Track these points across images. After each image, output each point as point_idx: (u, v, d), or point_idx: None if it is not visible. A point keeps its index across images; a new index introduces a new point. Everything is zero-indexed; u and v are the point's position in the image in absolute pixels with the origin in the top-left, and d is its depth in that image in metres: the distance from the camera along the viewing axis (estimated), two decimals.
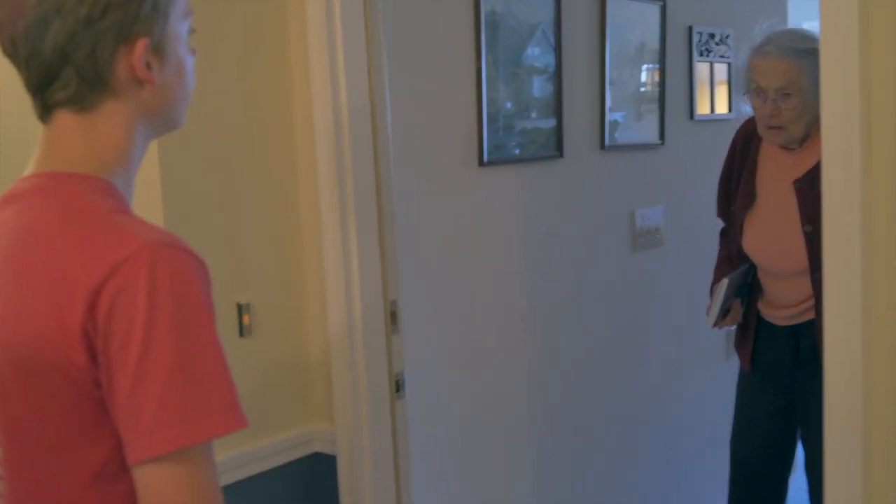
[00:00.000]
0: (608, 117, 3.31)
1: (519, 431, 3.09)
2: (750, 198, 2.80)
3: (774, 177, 2.76)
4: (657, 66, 3.55)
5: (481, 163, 2.85)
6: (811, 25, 8.51)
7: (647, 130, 3.53)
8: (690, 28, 3.68)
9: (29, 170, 1.29)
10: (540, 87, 3.05)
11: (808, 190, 2.60)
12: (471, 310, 2.89)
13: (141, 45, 1.23)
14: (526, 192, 3.05)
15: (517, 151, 2.99)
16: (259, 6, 2.26)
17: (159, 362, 1.11)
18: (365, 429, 2.34)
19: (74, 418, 1.17)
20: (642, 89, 3.53)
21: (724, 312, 2.83)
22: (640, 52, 3.48)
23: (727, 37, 3.89)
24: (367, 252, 2.32)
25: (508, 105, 2.95)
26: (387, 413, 2.39)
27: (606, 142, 3.30)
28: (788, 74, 2.57)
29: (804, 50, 2.57)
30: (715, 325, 2.85)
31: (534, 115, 3.04)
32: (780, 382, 2.86)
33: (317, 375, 2.40)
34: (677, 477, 3.73)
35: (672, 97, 3.62)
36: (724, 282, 2.74)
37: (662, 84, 3.57)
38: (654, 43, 3.52)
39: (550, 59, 3.07)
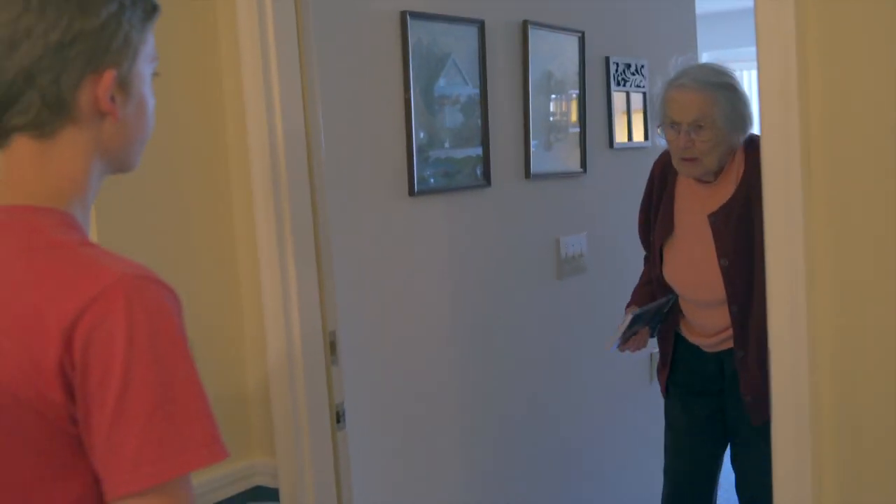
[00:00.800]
0: (532, 146, 3.36)
1: (454, 455, 3.10)
2: (668, 229, 2.83)
3: (691, 209, 2.79)
4: (577, 94, 3.62)
5: (412, 192, 2.86)
6: (719, 54, 8.77)
7: (568, 159, 3.59)
8: (607, 59, 3.77)
9: None
10: (466, 117, 3.08)
11: (723, 224, 2.66)
12: (403, 337, 2.89)
13: (108, 77, 1.22)
14: (455, 220, 3.07)
15: (445, 181, 3.01)
16: (190, 33, 2.24)
17: (139, 399, 1.09)
18: (307, 461, 2.32)
19: (48, 456, 1.15)
20: (563, 118, 3.59)
21: (627, 338, 2.86)
22: (561, 81, 3.54)
23: (642, 67, 3.99)
24: (305, 283, 2.30)
25: (436, 135, 2.96)
26: (328, 444, 2.37)
27: (531, 170, 3.34)
28: (703, 107, 2.61)
29: (718, 84, 2.63)
30: (614, 349, 2.89)
31: (461, 144, 3.06)
32: (706, 402, 2.89)
33: (256, 409, 2.37)
34: (603, 496, 3.77)
35: (592, 126, 3.69)
36: (629, 317, 2.78)
37: (583, 113, 3.63)
38: (573, 73, 3.59)
39: (475, 89, 3.10)
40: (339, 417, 2.40)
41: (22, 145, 1.23)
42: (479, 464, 3.20)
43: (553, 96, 3.53)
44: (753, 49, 1.73)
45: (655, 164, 2.95)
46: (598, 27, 3.69)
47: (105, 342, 1.09)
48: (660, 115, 2.75)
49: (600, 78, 3.76)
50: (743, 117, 2.66)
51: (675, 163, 2.72)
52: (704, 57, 9.83)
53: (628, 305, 2.98)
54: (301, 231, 2.30)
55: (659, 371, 3.00)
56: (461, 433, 3.13)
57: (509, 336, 3.31)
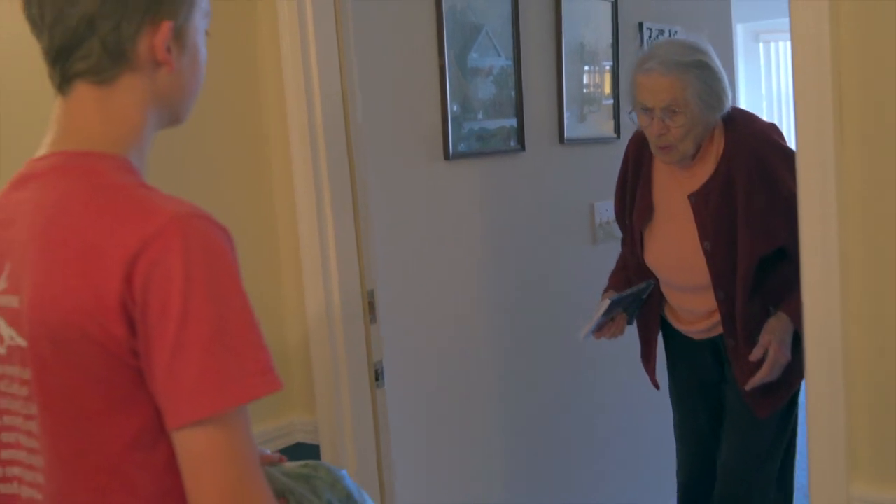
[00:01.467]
0: (565, 118, 3.37)
1: (489, 412, 3.15)
2: (648, 211, 2.68)
3: (670, 190, 2.65)
4: (610, 66, 3.63)
5: (447, 156, 2.89)
6: (754, 25, 8.57)
7: (602, 125, 3.60)
8: (641, 24, 3.77)
9: (44, 149, 1.30)
10: (501, 82, 3.10)
11: (703, 205, 2.52)
12: (438, 299, 2.94)
13: (166, 27, 1.26)
14: (490, 184, 3.10)
15: (480, 145, 3.03)
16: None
17: (197, 331, 1.13)
18: (347, 418, 2.36)
19: (111, 388, 1.19)
20: (596, 90, 3.60)
21: (602, 325, 2.69)
22: (593, 52, 3.55)
23: (675, 32, 3.98)
24: (344, 242, 2.34)
25: (471, 100, 2.99)
26: (368, 402, 2.42)
27: (565, 135, 3.36)
28: (673, 91, 2.44)
29: (689, 63, 2.46)
30: (588, 337, 2.70)
31: (495, 109, 3.08)
32: (708, 394, 2.78)
33: (296, 367, 2.41)
34: (636, 466, 3.79)
35: (625, 92, 3.68)
36: (605, 303, 2.62)
37: (616, 84, 3.64)
38: (606, 42, 3.59)
39: (509, 55, 3.12)
40: (377, 375, 2.45)
41: (83, 91, 1.27)
42: (514, 419, 3.24)
43: (586, 68, 3.54)
44: (787, 20, 1.71)
45: (630, 143, 2.80)
46: None
47: (164, 278, 1.13)
48: (631, 99, 2.60)
49: (633, 44, 3.76)
50: (718, 95, 2.49)
51: (653, 149, 2.58)
52: (739, 29, 9.78)
53: (605, 291, 2.83)
54: (339, 192, 2.34)
55: (644, 362, 2.84)
56: (496, 392, 3.17)
57: (543, 299, 3.34)
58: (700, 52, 2.49)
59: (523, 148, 3.18)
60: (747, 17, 9.43)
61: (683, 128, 2.46)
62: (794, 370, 2.44)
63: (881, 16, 1.62)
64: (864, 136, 1.65)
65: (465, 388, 3.04)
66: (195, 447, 1.15)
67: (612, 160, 3.59)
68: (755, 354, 2.44)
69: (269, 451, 1.62)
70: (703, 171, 2.55)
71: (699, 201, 2.52)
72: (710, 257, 2.52)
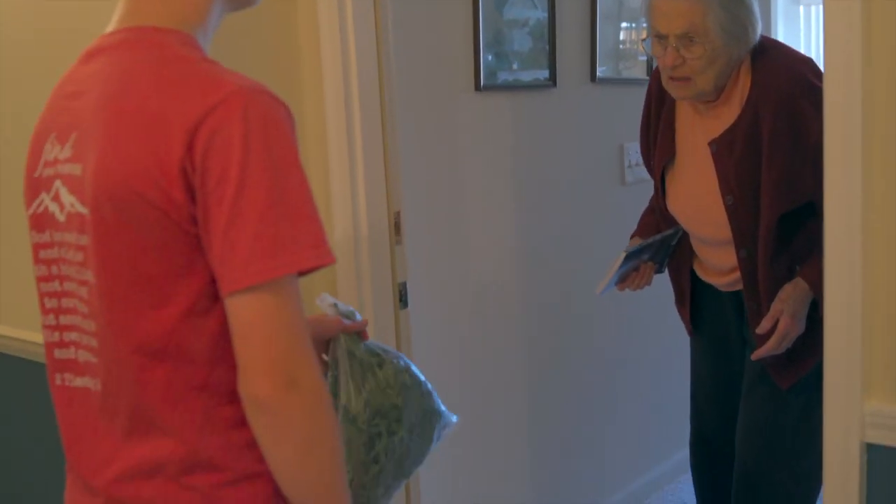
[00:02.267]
0: (600, 57, 3.37)
1: (512, 337, 3.17)
2: (668, 154, 2.46)
3: (692, 133, 2.41)
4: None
5: (478, 87, 2.90)
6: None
7: (636, 73, 3.60)
8: None
9: (112, 26, 1.34)
10: (536, 24, 3.10)
11: (727, 154, 2.29)
12: (466, 225, 2.97)
13: None
14: (520, 118, 3.12)
15: (512, 78, 3.04)
16: None
17: (254, 198, 1.17)
18: (371, 338, 2.39)
19: (169, 253, 1.23)
20: (633, 47, 3.60)
21: (626, 275, 2.53)
22: (633, 9, 3.54)
23: None
24: (371, 163, 2.37)
25: (504, 32, 2.99)
26: (392, 322, 2.45)
27: (598, 74, 3.36)
28: (691, 17, 2.18)
29: None
30: (607, 291, 2.53)
31: (526, 46, 3.08)
32: (729, 344, 2.57)
33: (320, 287, 2.44)
34: (662, 415, 3.81)
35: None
36: (621, 257, 2.45)
37: None
38: None
39: (544, 13, 3.12)
40: (402, 296, 2.48)
41: None
42: (537, 350, 3.27)
43: (623, 24, 3.53)
44: None
45: (652, 77, 2.55)
46: None
47: (224, 146, 1.17)
48: (646, 27, 2.35)
49: None
50: (744, 26, 2.22)
51: (665, 82, 2.32)
52: None
53: (633, 235, 2.67)
54: (369, 113, 2.36)
55: (679, 308, 2.66)
56: (519, 323, 3.20)
57: (570, 237, 3.36)
58: None
59: (555, 84, 3.18)
60: None
61: (701, 59, 2.20)
62: (819, 337, 2.23)
63: None
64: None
65: (488, 317, 3.07)
66: (246, 313, 1.18)
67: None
68: (763, 327, 2.23)
69: (359, 317, 1.66)
70: (728, 115, 2.31)
71: (721, 149, 2.30)
72: (733, 213, 2.30)
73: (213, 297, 1.24)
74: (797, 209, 2.25)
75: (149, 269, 1.23)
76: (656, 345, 3.72)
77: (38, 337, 1.45)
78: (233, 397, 1.25)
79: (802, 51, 10.62)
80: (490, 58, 2.94)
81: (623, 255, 2.43)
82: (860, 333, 1.72)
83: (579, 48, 3.33)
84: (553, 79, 3.17)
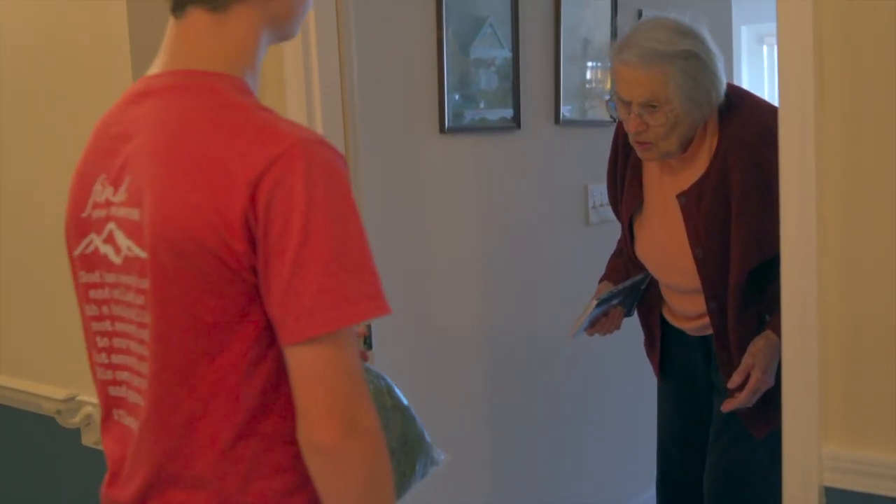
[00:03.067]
0: (562, 92, 3.40)
1: (476, 382, 3.18)
2: (636, 203, 2.44)
3: (659, 184, 2.40)
4: (608, 48, 3.65)
5: (442, 130, 2.92)
6: (755, 28, 8.37)
7: (602, 113, 3.64)
8: (640, 11, 3.80)
9: (156, 68, 1.36)
10: (499, 58, 3.13)
11: (695, 207, 2.27)
12: (429, 269, 2.97)
13: None
14: (484, 160, 3.13)
15: (478, 117, 3.07)
16: None
17: (317, 250, 1.18)
18: None
19: (227, 302, 1.24)
20: (598, 86, 3.63)
21: (595, 321, 2.50)
22: (598, 49, 3.58)
23: None
24: None
25: (470, 72, 3.02)
26: None
27: (561, 116, 3.39)
28: (652, 86, 2.15)
29: (673, 53, 2.15)
30: (578, 335, 2.49)
31: (493, 85, 3.11)
32: (697, 388, 2.55)
33: None
34: (628, 456, 3.81)
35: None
36: (593, 303, 2.41)
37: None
38: (605, 23, 3.62)
39: (507, 31, 3.15)
40: (366, 339, 2.47)
41: (196, 16, 1.33)
42: (501, 393, 3.26)
43: (589, 64, 3.57)
44: None
45: (619, 125, 2.48)
46: None
47: (286, 198, 1.18)
48: (611, 87, 2.32)
49: None
50: (707, 90, 2.18)
51: (632, 143, 2.30)
52: (742, 31, 9.80)
53: (602, 279, 2.64)
54: None
55: (648, 351, 2.63)
56: (483, 368, 3.20)
57: (534, 278, 3.37)
58: (687, 36, 2.19)
59: (518, 126, 3.21)
60: (751, 20, 9.44)
61: (664, 126, 2.19)
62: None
63: (865, 30, 1.65)
64: (847, 132, 1.69)
65: (453, 360, 3.07)
66: (309, 362, 1.20)
67: (608, 143, 3.63)
68: (734, 381, 2.20)
69: None
70: (696, 168, 2.29)
71: (689, 202, 2.28)
72: (703, 266, 2.29)
73: (267, 344, 1.26)
74: (768, 263, 2.20)
75: (205, 316, 1.25)
76: (622, 386, 3.73)
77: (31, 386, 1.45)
78: (279, 443, 1.28)
79: (766, 90, 10.72)
80: (457, 97, 2.96)
81: (594, 302, 2.40)
82: (816, 378, 1.74)
83: (544, 88, 3.35)
84: (517, 120, 3.20)
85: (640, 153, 2.31)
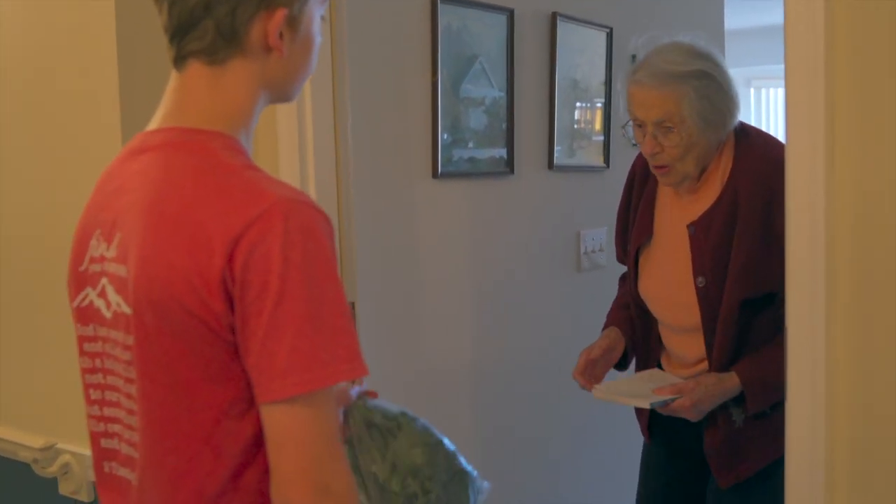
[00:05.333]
0: (556, 137, 3.38)
1: (470, 435, 3.13)
2: (646, 235, 2.39)
3: (670, 215, 2.36)
4: (601, 104, 3.65)
5: (435, 175, 2.89)
6: (747, 70, 8.46)
7: (592, 154, 3.61)
8: (634, 56, 3.78)
9: (155, 123, 1.37)
10: (492, 103, 3.10)
11: (703, 237, 2.23)
12: (421, 314, 2.93)
13: (280, 14, 1.32)
14: (478, 206, 3.09)
15: (469, 166, 3.03)
16: None
17: (292, 312, 1.19)
18: None
19: (207, 360, 1.26)
20: (587, 126, 3.62)
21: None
22: (586, 90, 3.57)
23: None
24: None
25: (460, 111, 2.99)
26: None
27: (555, 161, 3.37)
28: (666, 106, 2.15)
29: (686, 73, 2.15)
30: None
31: (482, 124, 3.08)
32: (688, 454, 2.41)
33: None
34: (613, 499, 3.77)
35: (617, 122, 3.70)
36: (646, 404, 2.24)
37: (607, 116, 3.65)
38: (600, 74, 3.61)
39: (501, 92, 3.13)
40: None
41: (196, 70, 1.34)
42: (492, 447, 3.22)
43: (578, 104, 3.55)
44: (782, 66, 1.68)
45: (637, 159, 2.47)
46: (627, 24, 3.70)
47: (263, 259, 1.19)
48: (626, 112, 2.31)
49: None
50: (721, 111, 2.18)
51: (651, 168, 2.29)
52: (735, 73, 9.87)
53: (605, 326, 2.53)
54: (325, 206, 2.31)
55: (638, 410, 2.49)
56: (473, 412, 3.16)
57: (527, 323, 3.33)
58: (702, 58, 2.19)
59: (512, 171, 3.18)
60: (739, 63, 9.49)
61: (679, 147, 2.17)
62: (761, 440, 2.22)
63: (878, 70, 1.61)
64: (855, 180, 1.65)
65: (445, 405, 3.03)
66: (281, 422, 1.21)
67: (601, 189, 3.62)
68: (660, 390, 2.20)
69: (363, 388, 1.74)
70: (708, 197, 2.26)
71: (699, 232, 2.24)
72: (703, 296, 2.23)
73: (249, 401, 1.26)
74: (758, 299, 2.19)
75: (186, 374, 1.27)
76: (612, 435, 3.69)
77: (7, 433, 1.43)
78: (260, 495, 1.28)
79: None
80: (446, 136, 2.93)
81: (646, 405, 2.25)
82: (823, 451, 1.69)
83: (536, 131, 3.33)
84: (510, 161, 3.17)
85: (659, 178, 2.29)
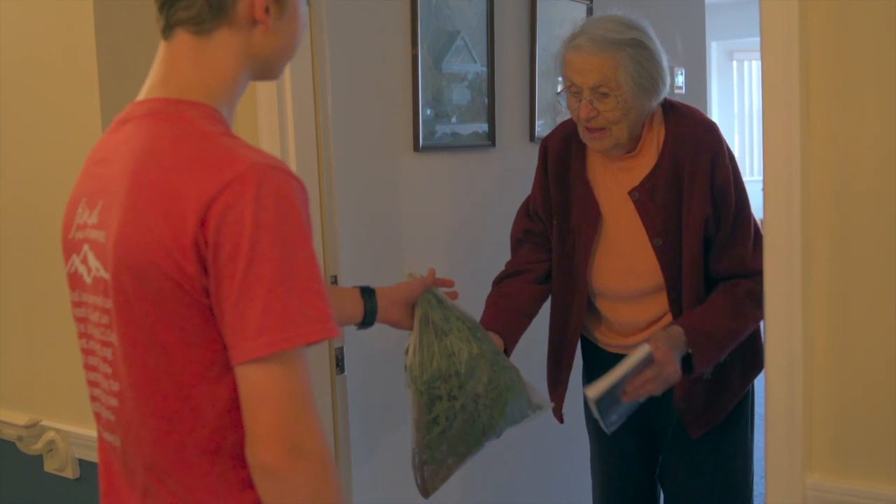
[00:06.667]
0: (538, 111, 3.38)
1: None
2: (594, 216, 2.36)
3: (606, 190, 2.37)
4: None
5: (416, 148, 2.89)
6: (728, 43, 8.57)
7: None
8: None
9: (143, 94, 1.40)
10: (474, 77, 3.10)
11: (649, 199, 2.28)
12: None
13: None
14: (459, 178, 3.10)
15: (451, 132, 3.03)
16: None
17: (263, 273, 1.21)
18: None
19: (183, 323, 1.28)
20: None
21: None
22: None
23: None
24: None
25: (443, 93, 2.99)
26: (328, 388, 2.41)
27: (537, 134, 3.37)
28: (604, 71, 2.18)
29: (623, 41, 2.19)
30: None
31: (465, 100, 3.08)
32: (641, 427, 2.46)
33: None
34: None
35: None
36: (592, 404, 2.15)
37: None
38: None
39: (483, 50, 3.12)
40: (338, 362, 2.43)
41: (182, 39, 1.37)
42: None
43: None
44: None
45: (547, 141, 2.49)
46: None
47: (235, 222, 1.22)
48: (560, 80, 2.34)
49: None
50: (654, 78, 2.23)
51: (581, 134, 2.31)
52: (713, 46, 9.87)
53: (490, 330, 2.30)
54: (307, 179, 2.33)
55: (551, 387, 2.49)
56: None
57: None
58: (636, 29, 2.24)
59: (493, 144, 3.18)
60: (721, 35, 9.54)
61: (615, 111, 2.21)
62: (728, 387, 2.32)
63: (851, 28, 1.64)
64: (831, 159, 1.67)
65: None
66: (255, 382, 1.23)
67: None
68: (632, 348, 2.16)
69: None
70: (644, 163, 2.31)
71: (643, 196, 2.28)
72: (662, 255, 2.28)
73: (226, 364, 1.28)
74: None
75: (164, 336, 1.29)
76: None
77: None
78: (244, 461, 1.30)
79: (736, 103, 10.84)
80: (429, 112, 2.93)
81: (592, 403, 2.15)
82: (801, 407, 1.72)
83: (518, 104, 3.34)
84: (492, 136, 3.17)
85: (592, 143, 2.30)
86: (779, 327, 1.73)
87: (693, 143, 2.26)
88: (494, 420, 2.00)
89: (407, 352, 2.01)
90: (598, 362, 2.45)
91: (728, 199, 2.22)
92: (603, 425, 2.22)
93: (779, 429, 1.75)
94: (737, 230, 2.24)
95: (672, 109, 2.32)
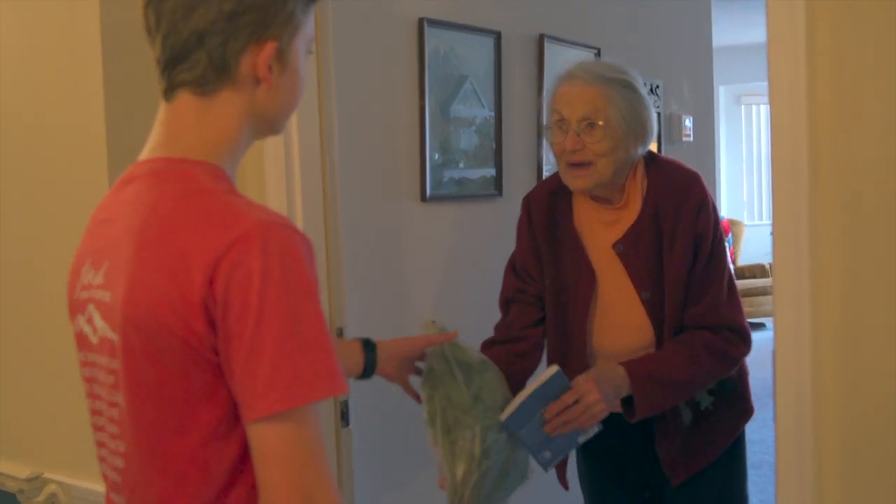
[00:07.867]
0: (545, 157, 3.38)
1: None
2: (588, 274, 2.29)
3: (596, 245, 2.31)
4: None
5: (424, 198, 2.88)
6: (735, 87, 8.62)
7: None
8: None
9: (145, 153, 1.40)
10: (483, 122, 3.11)
11: (633, 251, 2.23)
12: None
13: (270, 47, 1.35)
14: (466, 228, 3.09)
15: (458, 189, 3.03)
16: None
17: (271, 331, 1.21)
18: None
19: (191, 381, 1.28)
20: None
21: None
22: None
23: (657, 87, 4.01)
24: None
25: (451, 139, 2.99)
26: (332, 442, 2.39)
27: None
28: (595, 102, 2.17)
29: (615, 79, 2.20)
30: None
31: (473, 144, 3.09)
32: (636, 479, 2.44)
33: None
34: None
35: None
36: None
37: None
38: None
39: (491, 112, 3.13)
40: (343, 415, 2.41)
41: (185, 100, 1.37)
42: None
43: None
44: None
45: (530, 200, 2.42)
46: (615, 44, 3.71)
47: (243, 280, 1.22)
48: (546, 116, 2.31)
49: None
50: (642, 121, 2.22)
51: (563, 172, 2.25)
52: (721, 91, 9.91)
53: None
54: (313, 230, 2.33)
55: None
56: None
57: None
58: (628, 74, 2.25)
59: (500, 193, 3.17)
60: (730, 80, 9.59)
61: (602, 144, 2.16)
62: (711, 434, 2.29)
63: (858, 74, 1.65)
64: (840, 201, 1.68)
65: None
66: (266, 440, 1.23)
67: None
68: (562, 401, 2.07)
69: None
70: (628, 216, 2.26)
71: (627, 248, 2.24)
72: (651, 308, 2.23)
73: (234, 421, 1.28)
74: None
75: (173, 395, 1.29)
76: None
77: None
78: None
79: (744, 146, 10.89)
80: (437, 157, 2.94)
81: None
82: (811, 459, 1.70)
83: (526, 151, 3.34)
84: (499, 183, 3.17)
85: (573, 182, 2.23)
86: (788, 378, 1.73)
87: (676, 192, 2.24)
88: (521, 470, 2.10)
89: (429, 391, 2.07)
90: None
91: (705, 244, 2.18)
92: (536, 460, 2.15)
93: (789, 467, 1.74)
94: (710, 273, 2.19)
95: (654, 161, 2.31)
